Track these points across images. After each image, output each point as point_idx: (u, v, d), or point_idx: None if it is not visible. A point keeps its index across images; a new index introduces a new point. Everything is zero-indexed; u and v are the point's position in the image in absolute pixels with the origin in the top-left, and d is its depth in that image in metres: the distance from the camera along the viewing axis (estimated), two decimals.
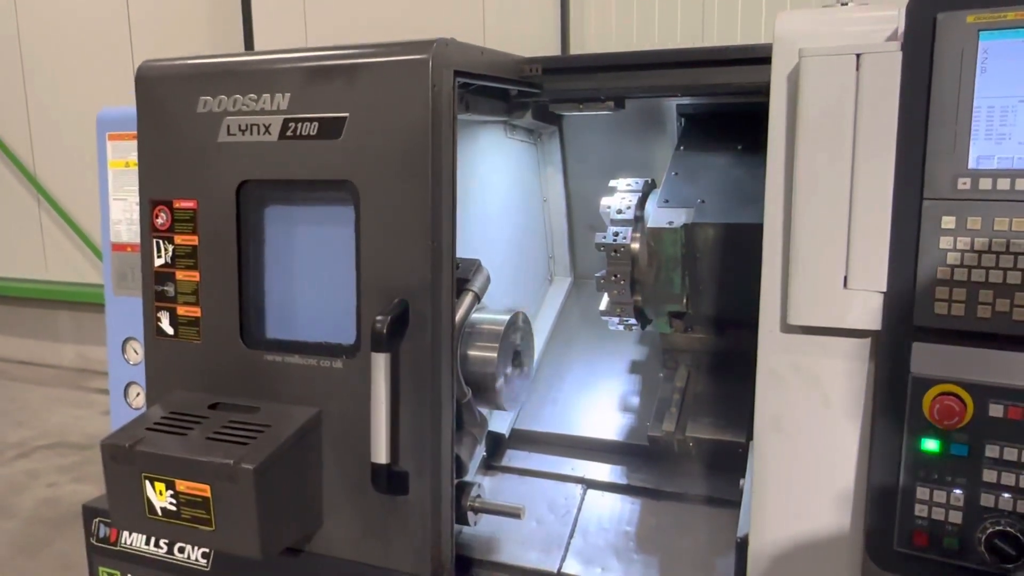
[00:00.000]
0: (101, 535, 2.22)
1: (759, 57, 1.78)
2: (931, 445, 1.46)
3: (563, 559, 2.13)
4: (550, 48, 5.14)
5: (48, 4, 6.72)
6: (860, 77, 1.46)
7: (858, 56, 1.45)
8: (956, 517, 1.45)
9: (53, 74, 6.77)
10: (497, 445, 2.46)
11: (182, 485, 1.80)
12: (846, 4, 1.61)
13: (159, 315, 2.08)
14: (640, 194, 2.38)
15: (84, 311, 6.92)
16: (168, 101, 2.04)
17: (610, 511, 2.26)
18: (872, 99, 1.45)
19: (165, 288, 2.07)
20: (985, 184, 1.39)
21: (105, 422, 5.62)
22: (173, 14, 6.31)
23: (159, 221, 2.06)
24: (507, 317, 2.14)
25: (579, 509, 2.27)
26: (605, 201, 2.40)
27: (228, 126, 1.96)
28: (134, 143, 2.15)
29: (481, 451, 2.39)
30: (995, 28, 1.37)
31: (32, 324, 7.23)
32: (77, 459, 5.06)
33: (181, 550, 2.11)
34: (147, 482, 1.84)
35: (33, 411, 6.01)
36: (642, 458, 2.35)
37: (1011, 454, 1.40)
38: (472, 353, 2.08)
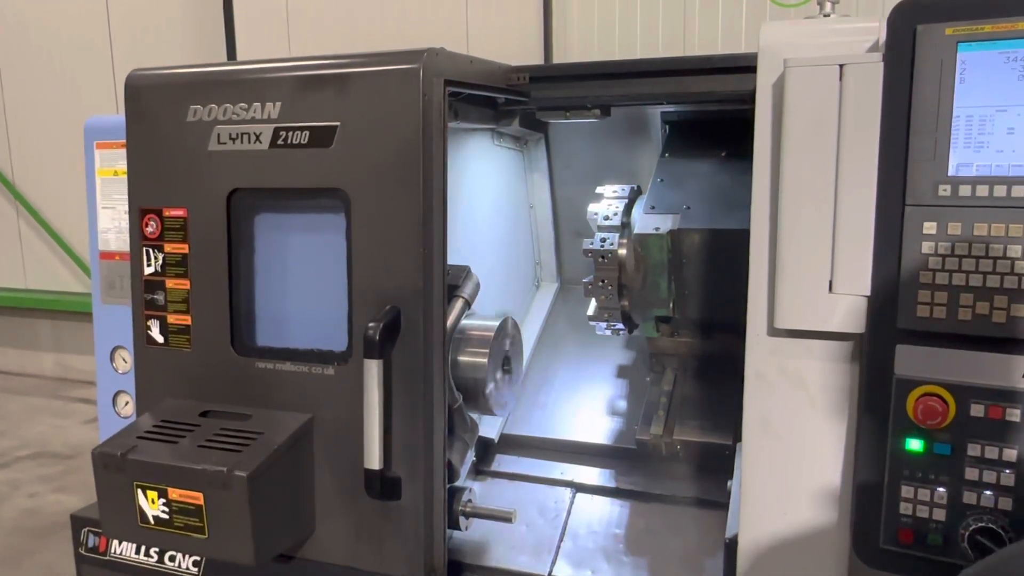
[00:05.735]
0: (90, 544, 2.21)
1: (743, 66, 1.82)
2: (915, 445, 1.50)
3: (553, 562, 2.15)
4: (532, 56, 5.17)
5: (26, 10, 6.66)
6: (843, 87, 1.49)
7: (841, 67, 1.49)
8: (940, 514, 1.48)
9: (32, 81, 6.70)
10: (487, 450, 2.48)
11: (175, 493, 1.80)
12: (828, 15, 1.65)
13: (149, 323, 2.08)
14: (626, 200, 2.41)
15: (64, 320, 6.85)
16: (157, 110, 2.04)
17: (599, 514, 2.28)
18: (855, 108, 1.49)
19: (155, 296, 2.07)
20: (965, 191, 1.43)
21: (86, 431, 5.60)
22: (154, 21, 6.27)
23: (149, 229, 2.07)
24: (497, 323, 2.16)
25: (568, 512, 2.29)
26: (592, 207, 2.42)
27: (218, 135, 1.96)
28: (122, 152, 2.15)
29: (472, 456, 2.41)
30: (973, 40, 1.41)
31: (11, 333, 7.15)
32: (59, 469, 5.01)
33: (172, 558, 2.11)
34: (139, 490, 1.83)
35: (13, 421, 5.94)
36: (630, 461, 2.37)
37: (992, 453, 1.44)
38: (463, 359, 2.10)
